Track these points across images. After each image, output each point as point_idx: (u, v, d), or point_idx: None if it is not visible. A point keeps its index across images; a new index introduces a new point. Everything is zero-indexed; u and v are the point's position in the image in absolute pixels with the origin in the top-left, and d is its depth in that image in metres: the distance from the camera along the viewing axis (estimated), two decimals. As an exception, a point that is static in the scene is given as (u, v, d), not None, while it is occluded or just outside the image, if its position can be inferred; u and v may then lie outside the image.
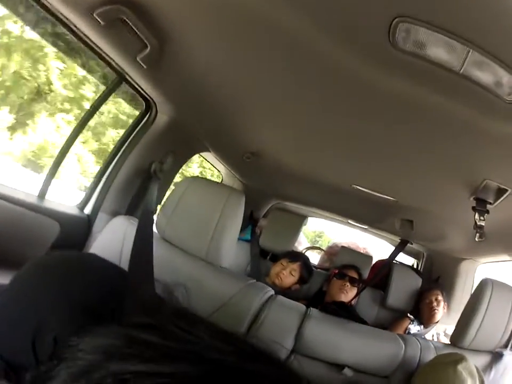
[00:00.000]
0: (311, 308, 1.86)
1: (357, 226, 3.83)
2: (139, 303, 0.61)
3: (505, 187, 1.62)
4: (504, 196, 1.66)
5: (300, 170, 2.60)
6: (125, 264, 1.57)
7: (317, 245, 4.68)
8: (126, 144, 2.03)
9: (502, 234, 2.14)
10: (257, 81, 1.59)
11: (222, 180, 3.38)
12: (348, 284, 2.86)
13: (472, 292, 2.79)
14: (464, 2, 0.85)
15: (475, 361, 1.61)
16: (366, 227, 3.77)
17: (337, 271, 2.98)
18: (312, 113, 1.70)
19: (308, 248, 4.15)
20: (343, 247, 3.44)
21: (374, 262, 3.34)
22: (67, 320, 0.63)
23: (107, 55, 1.54)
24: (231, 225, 1.63)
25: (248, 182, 3.38)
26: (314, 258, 4.18)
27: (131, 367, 0.42)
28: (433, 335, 2.88)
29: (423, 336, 2.69)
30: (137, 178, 2.12)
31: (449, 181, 1.81)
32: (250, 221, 3.53)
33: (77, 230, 1.99)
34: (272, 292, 1.80)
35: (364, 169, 2.16)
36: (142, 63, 1.50)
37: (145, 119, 2.02)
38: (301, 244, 4.09)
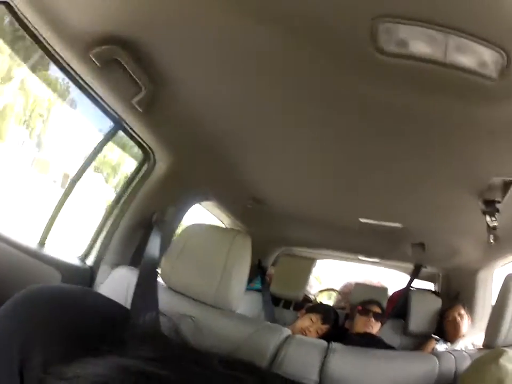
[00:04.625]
0: (333, 342, 1.76)
1: (368, 261, 3.79)
2: (141, 337, 0.56)
3: (510, 178, 1.60)
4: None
5: (305, 212, 2.60)
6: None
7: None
8: (126, 194, 2.01)
9: None
10: (256, 121, 1.60)
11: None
12: (373, 319, 2.82)
13: (493, 297, 2.73)
14: None
15: None
16: (377, 260, 3.73)
17: (361, 308, 2.93)
18: (313, 150, 1.71)
19: (321, 291, 4.08)
20: (357, 283, 3.41)
21: (390, 293, 3.31)
22: (57, 348, 0.57)
23: (102, 99, 1.54)
24: (239, 268, 1.58)
25: (253, 230, 3.32)
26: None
27: None
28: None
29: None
30: (139, 229, 2.08)
31: (454, 191, 1.80)
32: (258, 270, 3.48)
33: (78, 282, 1.92)
34: (289, 332, 1.73)
35: (368, 201, 2.16)
36: (137, 107, 1.49)
37: (144, 168, 2.00)
38: (312, 287, 4.03)
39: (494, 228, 1.73)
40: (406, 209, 2.21)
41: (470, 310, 3.02)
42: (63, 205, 1.81)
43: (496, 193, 1.67)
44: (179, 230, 2.42)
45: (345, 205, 2.32)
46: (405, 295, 3.26)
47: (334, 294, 4.09)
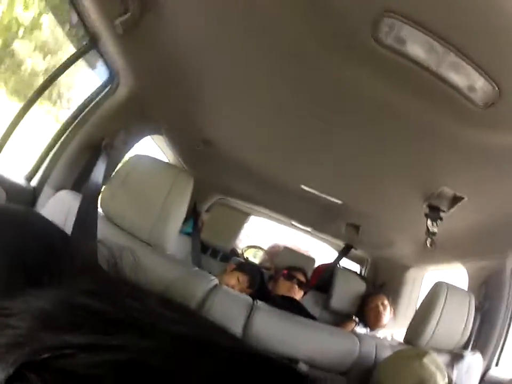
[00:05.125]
0: (257, 300, 1.82)
1: (301, 228, 3.86)
2: (81, 268, 0.56)
3: (461, 195, 1.67)
4: (459, 203, 1.71)
5: (249, 166, 2.59)
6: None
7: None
8: (81, 116, 1.94)
9: (454, 241, 2.20)
10: (225, 65, 1.58)
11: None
12: (296, 286, 2.86)
13: (420, 297, 2.87)
14: (449, 3, 0.88)
15: None
16: (309, 230, 3.81)
17: (286, 272, 2.97)
18: (273, 107, 1.69)
19: (248, 247, 4.14)
20: (285, 247, 3.43)
21: (316, 265, 3.36)
22: None
23: (88, 13, 1.48)
24: (178, 207, 1.59)
25: (194, 173, 3.28)
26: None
27: (72, 339, 0.36)
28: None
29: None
30: (87, 153, 2.02)
31: (402, 187, 1.84)
32: (192, 213, 3.46)
33: (22, 201, 1.87)
34: (217, 281, 1.75)
35: (314, 170, 2.17)
36: (119, 27, 1.45)
37: (106, 90, 1.94)
38: (241, 241, 4.07)
39: (434, 233, 1.80)
40: (349, 189, 2.25)
41: (394, 304, 3.13)
42: (18, 123, 1.72)
43: (443, 202, 1.73)
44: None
45: (291, 167, 2.33)
46: (331, 270, 3.33)
47: (260, 253, 4.16)
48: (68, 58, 1.71)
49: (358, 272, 3.89)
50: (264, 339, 1.66)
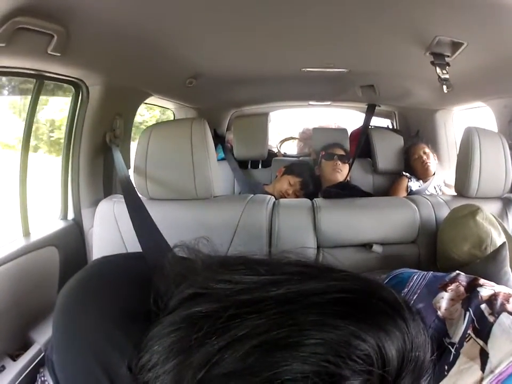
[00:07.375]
0: (315, 200, 1.86)
1: (320, 105, 3.81)
2: (171, 278, 0.55)
3: (459, 40, 1.59)
4: (461, 48, 1.63)
5: (247, 72, 2.51)
6: (130, 244, 1.58)
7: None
8: (73, 132, 1.94)
9: (470, 82, 2.14)
10: (176, 9, 1.45)
11: (175, 116, 3.29)
12: (339, 162, 2.88)
13: (456, 139, 2.85)
14: None
15: (488, 209, 1.60)
16: (329, 103, 3.75)
17: (324, 153, 2.98)
18: (247, 9, 1.56)
19: (282, 142, 4.12)
20: (314, 128, 3.39)
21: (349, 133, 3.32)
22: (123, 343, 0.56)
23: (17, 67, 1.46)
24: (207, 154, 1.62)
25: (200, 106, 3.30)
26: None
27: (211, 348, 0.40)
28: (435, 187, 2.94)
29: (426, 191, 2.81)
30: (98, 157, 2.05)
31: (399, 41, 1.74)
32: (217, 139, 3.45)
33: (73, 240, 1.95)
34: (273, 199, 1.82)
35: (310, 50, 2.05)
36: (54, 53, 1.41)
37: (80, 99, 1.91)
38: (271, 140, 4.05)
39: (446, 79, 1.74)
40: (350, 55, 2.12)
41: (434, 149, 3.12)
42: (25, 183, 1.73)
43: (444, 49, 1.65)
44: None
45: (285, 57, 2.21)
46: (365, 133, 3.27)
47: (296, 142, 4.13)
48: (29, 107, 1.69)
49: (390, 127, 3.83)
50: (336, 234, 1.72)
